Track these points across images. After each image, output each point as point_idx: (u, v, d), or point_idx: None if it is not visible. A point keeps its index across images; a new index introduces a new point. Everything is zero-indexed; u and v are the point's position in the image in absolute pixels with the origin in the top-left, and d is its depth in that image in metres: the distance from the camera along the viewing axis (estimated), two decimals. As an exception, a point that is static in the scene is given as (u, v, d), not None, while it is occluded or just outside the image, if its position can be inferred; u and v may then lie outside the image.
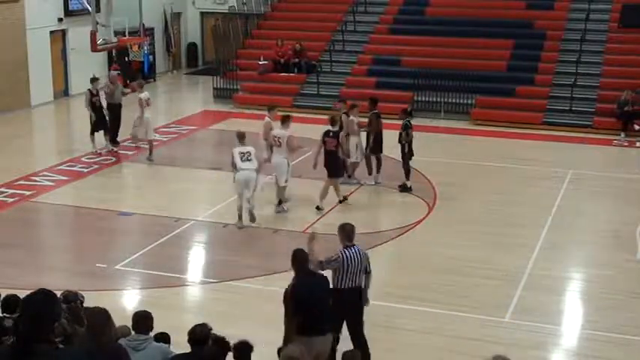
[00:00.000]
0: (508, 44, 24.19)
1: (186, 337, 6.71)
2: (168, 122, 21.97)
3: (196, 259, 13.30)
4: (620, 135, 20.62)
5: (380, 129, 16.04)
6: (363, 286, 8.74)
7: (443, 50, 24.12)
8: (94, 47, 19.52)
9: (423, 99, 22.83)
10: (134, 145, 18.76)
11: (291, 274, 9.10)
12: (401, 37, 25.15)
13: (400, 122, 15.78)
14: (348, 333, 8.85)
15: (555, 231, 13.89)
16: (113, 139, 18.77)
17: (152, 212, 14.72)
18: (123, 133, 18.88)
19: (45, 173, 17.15)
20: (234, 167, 13.97)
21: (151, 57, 27.93)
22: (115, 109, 18.56)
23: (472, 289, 11.51)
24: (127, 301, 11.29)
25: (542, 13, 25.06)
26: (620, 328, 10.31)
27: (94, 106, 18.42)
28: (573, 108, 21.82)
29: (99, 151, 18.55)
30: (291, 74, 24.78)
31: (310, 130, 17.26)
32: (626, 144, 20.15)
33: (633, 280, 11.88)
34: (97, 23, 19.51)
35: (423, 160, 16.87)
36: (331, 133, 14.89)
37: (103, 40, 19.83)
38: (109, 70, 24.77)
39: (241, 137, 14.21)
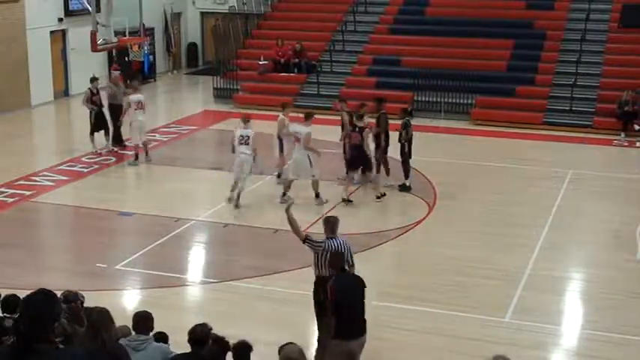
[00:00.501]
0: (508, 44, 24.19)
1: (186, 337, 6.71)
2: (168, 122, 21.98)
3: (196, 259, 13.30)
4: (620, 135, 20.62)
5: (387, 129, 16.01)
6: None
7: (443, 50, 24.12)
8: (94, 47, 19.51)
9: (423, 99, 22.83)
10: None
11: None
12: (401, 37, 25.15)
13: (400, 121, 15.77)
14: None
15: (555, 231, 13.89)
16: (118, 139, 18.73)
17: (152, 212, 14.72)
18: (123, 134, 18.87)
19: (45, 173, 17.15)
20: (232, 149, 14.91)
21: (151, 57, 27.93)
22: (117, 110, 18.50)
23: (472, 289, 11.51)
24: (127, 301, 11.29)
25: (542, 13, 25.07)
26: (620, 328, 10.31)
27: (95, 105, 18.42)
28: (573, 108, 21.82)
29: (99, 151, 18.55)
30: (291, 74, 24.78)
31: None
32: (626, 144, 20.15)
33: (633, 280, 11.88)
34: (97, 23, 19.50)
35: (423, 160, 16.87)
36: (357, 129, 15.15)
37: (103, 40, 19.82)
38: (109, 70, 24.78)
39: (245, 120, 15.07)
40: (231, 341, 6.81)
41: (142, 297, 11.43)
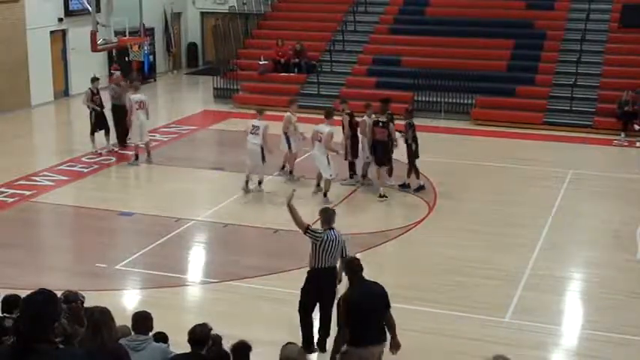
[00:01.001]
0: (508, 44, 24.19)
1: (186, 337, 6.71)
2: (168, 122, 21.98)
3: (196, 259, 13.30)
4: (620, 135, 20.62)
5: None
6: (337, 267, 9.31)
7: (443, 50, 24.12)
8: (94, 47, 19.51)
9: (423, 99, 22.83)
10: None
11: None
12: (401, 37, 25.16)
13: (403, 122, 15.81)
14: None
15: (555, 231, 13.89)
16: (122, 140, 18.69)
17: (152, 212, 14.72)
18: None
19: (45, 173, 17.15)
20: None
21: (151, 57, 27.93)
22: (121, 110, 18.41)
23: (472, 289, 11.51)
24: (127, 301, 11.28)
25: (542, 13, 25.07)
26: (620, 328, 10.31)
27: (95, 105, 18.42)
28: (573, 108, 21.82)
29: (99, 151, 18.55)
30: (291, 74, 24.79)
31: (311, 130, 17.20)
32: (626, 144, 20.15)
33: (633, 280, 11.88)
34: (98, 23, 19.50)
35: (423, 160, 16.83)
36: (381, 124, 15.38)
37: (103, 40, 19.82)
38: (110, 70, 24.78)
39: (259, 111, 15.80)
40: (231, 341, 6.82)
41: (142, 297, 11.43)
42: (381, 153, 15.43)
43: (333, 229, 9.33)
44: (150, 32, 26.66)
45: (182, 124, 21.90)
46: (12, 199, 15.50)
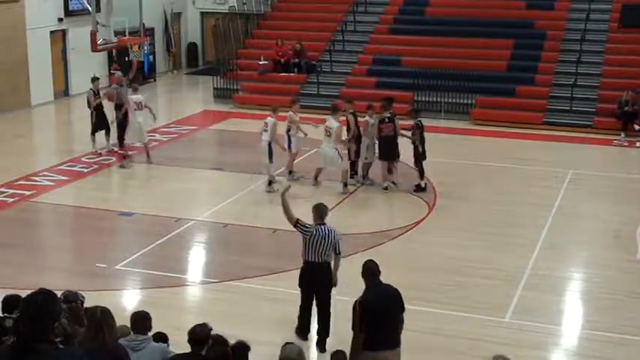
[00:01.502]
0: (508, 44, 24.19)
1: (186, 337, 6.71)
2: (168, 122, 21.97)
3: (196, 259, 13.30)
4: (620, 135, 20.62)
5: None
6: (331, 263, 9.51)
7: (443, 50, 24.12)
8: (94, 47, 19.50)
9: (423, 99, 22.82)
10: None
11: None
12: (401, 37, 25.16)
13: (411, 122, 15.87)
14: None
15: (555, 231, 13.89)
16: (122, 140, 18.64)
17: (152, 212, 14.72)
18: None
19: (45, 173, 17.15)
20: None
21: (151, 57, 27.93)
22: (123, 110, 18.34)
23: (472, 289, 11.51)
24: (127, 301, 11.28)
25: (542, 13, 25.07)
26: (620, 328, 10.31)
27: (96, 105, 18.41)
28: (573, 108, 21.82)
29: (99, 151, 18.55)
30: (291, 74, 24.79)
31: (311, 130, 17.21)
32: (626, 144, 20.15)
33: (633, 280, 11.88)
34: (97, 23, 19.48)
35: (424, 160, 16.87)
36: (387, 119, 15.58)
37: (103, 40, 19.80)
38: (109, 70, 24.78)
39: (273, 109, 15.84)
40: (231, 341, 6.81)
41: (142, 297, 11.43)
42: (391, 147, 15.61)
43: (324, 224, 9.49)
44: (150, 32, 26.65)
45: (182, 124, 21.90)
46: (12, 199, 15.50)
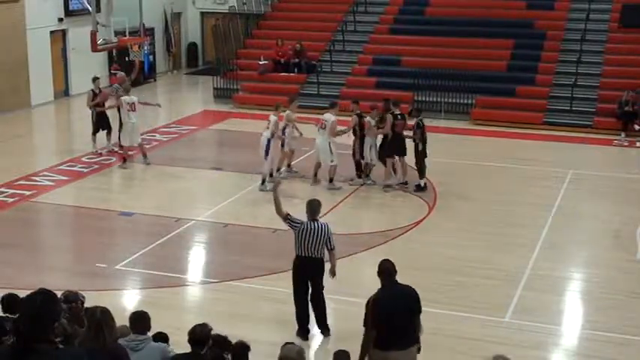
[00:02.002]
0: (508, 44, 24.20)
1: (186, 337, 6.71)
2: (168, 122, 21.98)
3: (196, 259, 13.30)
4: (620, 135, 20.62)
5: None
6: (323, 259, 9.68)
7: (443, 50, 24.12)
8: (94, 47, 19.50)
9: (423, 99, 22.81)
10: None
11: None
12: (401, 37, 25.16)
13: (413, 121, 15.90)
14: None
15: (555, 231, 13.89)
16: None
17: (152, 212, 14.72)
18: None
19: (45, 173, 17.15)
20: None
21: (151, 57, 27.93)
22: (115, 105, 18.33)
23: (472, 289, 11.51)
24: (127, 301, 11.28)
25: (542, 13, 25.07)
26: (620, 328, 10.31)
27: (97, 105, 18.40)
28: (573, 108, 21.82)
29: (99, 151, 18.54)
30: (291, 74, 24.79)
31: (310, 130, 17.22)
32: (626, 144, 20.15)
33: (633, 280, 11.88)
34: (98, 23, 19.48)
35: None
36: (399, 117, 15.77)
37: (103, 40, 19.81)
38: (109, 70, 24.78)
39: (276, 107, 16.10)
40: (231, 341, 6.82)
41: (142, 297, 11.43)
42: (400, 144, 15.71)
43: (316, 220, 9.68)
44: (150, 32, 26.65)
45: (182, 124, 21.90)
46: (12, 199, 15.50)
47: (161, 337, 7.18)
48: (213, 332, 6.76)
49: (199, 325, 6.75)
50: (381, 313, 7.64)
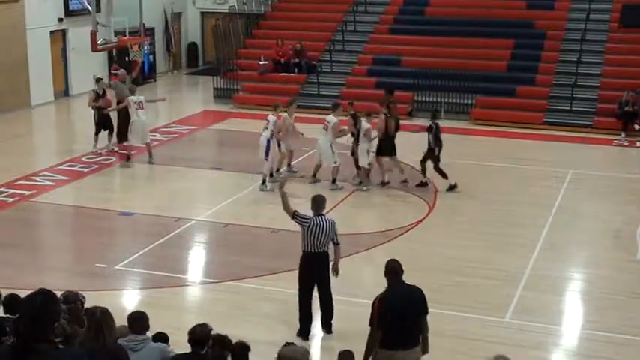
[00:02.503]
0: (508, 44, 24.19)
1: (186, 337, 6.71)
2: (168, 122, 21.98)
3: (196, 259, 13.30)
4: (620, 135, 20.62)
5: (397, 118, 16.47)
6: (329, 252, 9.76)
7: (443, 50, 24.12)
8: (95, 47, 19.49)
9: (423, 99, 22.82)
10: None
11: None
12: (401, 37, 25.15)
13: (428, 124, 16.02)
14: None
15: (555, 231, 13.89)
16: (122, 139, 18.60)
17: (152, 212, 14.72)
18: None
19: (45, 173, 17.14)
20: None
21: (151, 57, 27.93)
22: (124, 108, 18.27)
23: (472, 289, 11.51)
24: (127, 301, 11.28)
25: (542, 13, 25.07)
26: (620, 328, 10.31)
27: (100, 108, 18.39)
28: (573, 108, 21.82)
29: (99, 152, 18.54)
30: (292, 74, 24.79)
31: (310, 130, 17.24)
32: (626, 144, 20.15)
33: (633, 280, 11.88)
34: (98, 23, 19.47)
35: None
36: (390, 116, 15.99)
37: (104, 40, 19.80)
38: (109, 70, 24.75)
39: (275, 107, 16.12)
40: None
41: (142, 297, 11.43)
42: (390, 144, 15.88)
43: (323, 215, 9.74)
44: (150, 32, 26.65)
45: (182, 124, 21.90)
46: (12, 199, 15.50)
47: (161, 337, 7.18)
48: (213, 332, 6.76)
49: (199, 325, 6.75)
50: (387, 313, 7.63)
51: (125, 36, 21.11)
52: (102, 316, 5.56)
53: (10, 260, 12.40)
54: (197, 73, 29.92)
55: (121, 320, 6.67)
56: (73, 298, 7.00)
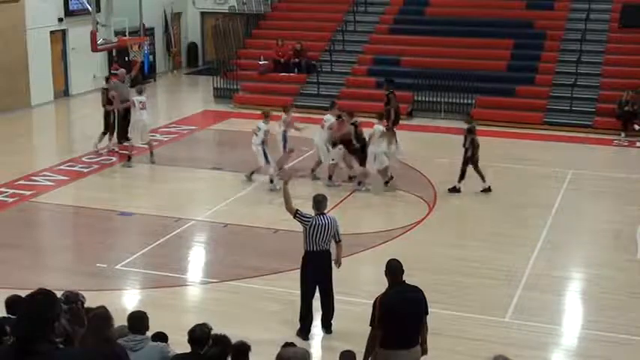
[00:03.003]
0: (508, 44, 24.19)
1: (186, 337, 6.71)
2: (168, 122, 21.97)
3: (196, 259, 13.30)
4: (620, 135, 20.62)
5: (397, 106, 16.82)
6: (331, 251, 9.77)
7: (443, 50, 24.12)
8: (94, 47, 19.51)
9: (423, 99, 22.82)
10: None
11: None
12: (401, 37, 25.15)
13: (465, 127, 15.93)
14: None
15: (555, 231, 13.89)
16: (121, 138, 18.60)
17: (152, 212, 14.72)
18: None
19: (45, 173, 17.15)
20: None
21: (150, 57, 27.92)
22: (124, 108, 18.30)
23: (472, 289, 11.51)
24: (127, 301, 11.28)
25: (542, 13, 25.06)
26: (620, 328, 10.32)
27: (109, 103, 18.39)
28: (573, 108, 21.82)
29: (99, 151, 18.54)
30: (291, 74, 24.78)
31: (310, 130, 17.22)
32: (626, 144, 20.15)
33: (633, 280, 11.89)
34: (97, 23, 19.50)
35: (424, 160, 16.87)
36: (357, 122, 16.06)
37: (103, 40, 19.81)
38: (109, 70, 24.74)
39: (265, 114, 16.01)
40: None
41: (142, 297, 11.43)
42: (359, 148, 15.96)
43: (324, 214, 9.77)
44: (150, 32, 26.65)
45: (182, 124, 21.90)
46: (12, 199, 15.50)
47: (160, 337, 7.17)
48: (213, 332, 6.76)
49: (199, 325, 6.75)
50: (387, 313, 7.63)
51: (125, 36, 21.12)
52: (102, 316, 5.56)
53: (10, 260, 12.41)
54: (197, 73, 29.92)
55: (120, 320, 6.68)
56: (74, 299, 6.99)
